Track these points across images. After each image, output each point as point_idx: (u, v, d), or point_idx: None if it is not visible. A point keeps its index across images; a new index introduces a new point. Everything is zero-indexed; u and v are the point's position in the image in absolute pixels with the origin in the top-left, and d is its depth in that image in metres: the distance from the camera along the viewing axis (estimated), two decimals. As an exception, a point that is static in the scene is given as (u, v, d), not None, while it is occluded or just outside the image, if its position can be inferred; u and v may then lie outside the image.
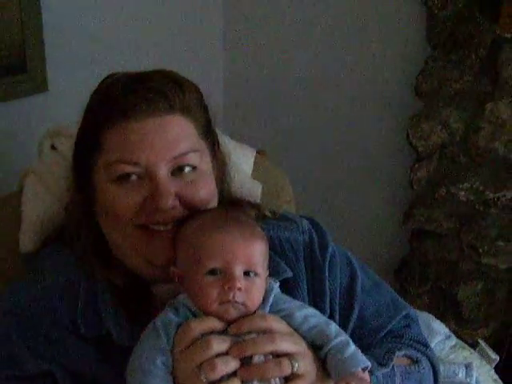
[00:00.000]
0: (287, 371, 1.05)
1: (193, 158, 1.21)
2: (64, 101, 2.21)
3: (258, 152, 1.77)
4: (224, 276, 1.07)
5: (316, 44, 2.76)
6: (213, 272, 1.08)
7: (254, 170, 1.69)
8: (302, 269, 1.30)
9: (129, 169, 1.18)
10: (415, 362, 1.31)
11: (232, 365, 1.03)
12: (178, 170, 1.20)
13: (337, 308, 1.30)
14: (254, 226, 1.17)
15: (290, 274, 1.27)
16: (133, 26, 2.47)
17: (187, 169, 1.20)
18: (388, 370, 1.23)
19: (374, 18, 2.59)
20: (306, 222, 1.39)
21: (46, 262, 1.32)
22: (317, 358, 1.11)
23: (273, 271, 1.20)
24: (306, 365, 1.07)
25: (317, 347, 1.12)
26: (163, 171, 1.18)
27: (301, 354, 1.08)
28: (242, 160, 1.63)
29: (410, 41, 2.54)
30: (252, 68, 2.93)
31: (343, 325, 1.29)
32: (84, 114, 1.27)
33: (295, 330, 1.11)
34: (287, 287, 1.24)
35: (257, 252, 1.12)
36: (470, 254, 2.55)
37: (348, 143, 2.80)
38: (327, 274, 1.31)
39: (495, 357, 1.85)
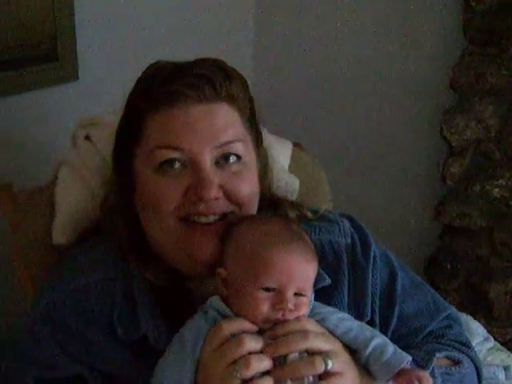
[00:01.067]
0: (320, 369, 1.03)
1: (238, 147, 1.18)
2: (94, 90, 2.19)
3: (294, 144, 1.73)
4: (277, 295, 1.06)
5: (352, 36, 2.72)
6: (267, 289, 1.07)
7: (290, 164, 1.65)
8: (344, 273, 1.28)
9: (172, 155, 1.15)
10: (456, 363, 1.28)
11: (266, 363, 1.02)
12: (222, 160, 1.17)
13: (377, 310, 1.28)
14: (311, 245, 1.15)
15: (328, 281, 1.23)
16: (166, 15, 2.44)
17: (232, 158, 1.18)
18: (428, 371, 1.19)
19: (410, 11, 2.54)
20: (347, 224, 1.36)
21: (81, 259, 1.29)
22: (355, 360, 1.10)
23: None
24: (340, 363, 1.06)
25: (353, 350, 1.11)
26: (207, 159, 1.15)
27: (335, 352, 1.06)
28: (279, 153, 1.59)
29: (446, 34, 2.49)
30: (286, 59, 2.89)
31: (384, 326, 1.27)
32: (127, 100, 1.24)
33: (330, 332, 1.10)
34: (327, 293, 1.22)
35: (311, 275, 1.12)
36: (503, 252, 2.53)
37: (382, 136, 2.76)
38: (370, 277, 1.29)
39: None
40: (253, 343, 1.03)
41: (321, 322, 1.11)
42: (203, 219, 1.16)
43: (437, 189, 2.66)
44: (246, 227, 1.14)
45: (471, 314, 2.55)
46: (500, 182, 2.44)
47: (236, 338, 1.03)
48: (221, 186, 1.15)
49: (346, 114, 2.83)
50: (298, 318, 1.07)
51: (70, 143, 1.57)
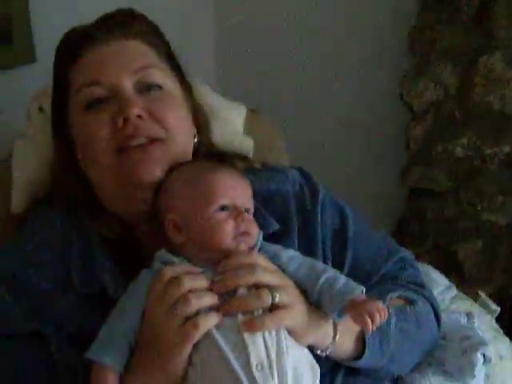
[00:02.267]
0: (267, 301, 1.04)
1: (156, 74, 1.26)
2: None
3: (250, 110, 1.73)
4: (233, 211, 1.11)
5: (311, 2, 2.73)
6: (223, 208, 1.11)
7: (246, 128, 1.65)
8: (292, 220, 1.29)
9: (95, 91, 1.23)
10: (411, 302, 1.30)
11: (207, 299, 1.04)
12: (144, 89, 1.23)
13: (329, 255, 1.29)
14: (236, 169, 1.24)
15: (276, 226, 1.26)
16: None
17: (153, 88, 1.24)
18: None
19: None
20: (296, 173, 1.38)
21: (35, 222, 1.32)
22: (306, 299, 1.11)
23: (259, 226, 1.18)
24: (289, 295, 1.07)
25: (304, 290, 1.12)
26: (127, 85, 1.22)
27: (283, 286, 1.08)
28: (233, 116, 1.60)
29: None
30: (246, 25, 2.90)
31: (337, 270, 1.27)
32: (53, 66, 1.33)
33: (283, 271, 1.12)
34: (276, 240, 1.22)
35: (247, 188, 1.17)
36: (470, 211, 2.53)
37: (342, 103, 2.78)
38: (319, 221, 1.30)
39: (496, 308, 1.81)
40: (192, 281, 1.05)
41: (272, 259, 1.12)
42: (133, 142, 1.19)
43: (401, 153, 2.65)
44: (186, 166, 1.20)
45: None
46: (462, 141, 2.44)
47: (175, 279, 1.05)
48: (145, 109, 1.21)
49: (307, 79, 2.83)
50: (248, 253, 1.10)
51: (26, 117, 1.58)
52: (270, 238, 1.21)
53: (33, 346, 1.17)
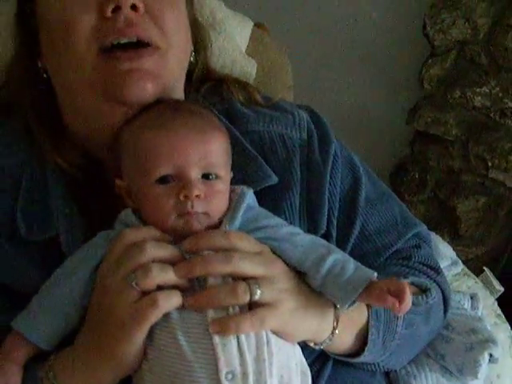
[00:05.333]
0: (244, 299, 0.86)
1: None
2: None
3: (256, 25, 1.51)
4: (178, 183, 0.90)
5: None
6: (164, 180, 0.91)
7: (250, 46, 1.45)
8: (295, 173, 1.09)
9: None
10: (424, 290, 1.12)
11: (172, 274, 0.86)
12: None
13: (335, 221, 1.10)
14: (209, 115, 1.00)
15: (274, 179, 1.06)
16: None
17: None
18: None
19: None
20: (305, 115, 1.17)
21: None
22: (306, 286, 0.93)
23: (253, 176, 1.04)
24: (274, 291, 0.89)
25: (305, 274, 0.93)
26: None
27: (269, 278, 0.89)
28: (236, 31, 1.38)
29: None
30: None
31: (342, 241, 1.10)
32: None
33: (279, 256, 0.93)
34: (274, 194, 1.06)
35: (215, 148, 0.95)
36: (477, 166, 2.43)
37: (359, 30, 2.60)
38: (328, 179, 1.10)
39: (499, 287, 1.73)
40: (158, 250, 0.88)
41: (264, 240, 0.93)
42: (122, 39, 0.97)
43: (414, 91, 2.54)
44: (133, 119, 0.98)
45: (435, 229, 2.47)
46: (483, 89, 2.31)
47: (137, 244, 0.88)
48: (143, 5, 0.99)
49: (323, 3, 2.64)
50: (225, 233, 0.91)
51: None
52: (265, 193, 1.03)
53: None
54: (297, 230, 0.97)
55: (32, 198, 1.02)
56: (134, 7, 0.97)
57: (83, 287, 0.89)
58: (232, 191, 0.96)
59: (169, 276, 0.86)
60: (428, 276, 1.16)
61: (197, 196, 0.89)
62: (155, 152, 0.91)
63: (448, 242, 2.42)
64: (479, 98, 2.31)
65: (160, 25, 1.00)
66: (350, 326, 1.00)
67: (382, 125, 2.67)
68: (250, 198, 0.96)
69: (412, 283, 1.11)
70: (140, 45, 0.98)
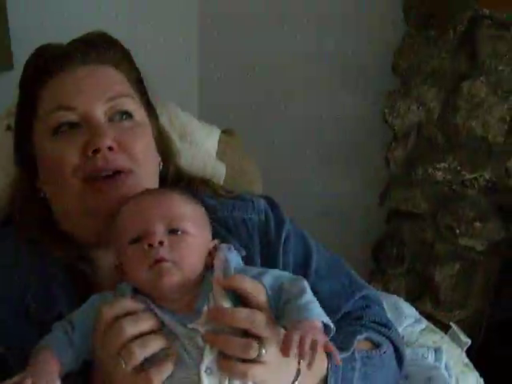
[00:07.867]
0: (251, 356, 0.97)
1: (128, 103, 1.24)
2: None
3: (224, 131, 1.70)
4: (145, 238, 1.02)
5: (291, 22, 2.72)
6: (136, 240, 1.03)
7: (219, 151, 1.63)
8: (256, 248, 1.27)
9: (66, 116, 1.20)
10: (376, 345, 1.25)
11: (153, 345, 0.97)
12: (115, 116, 1.22)
13: None
14: (175, 191, 1.14)
15: (242, 252, 1.21)
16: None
17: (124, 117, 1.23)
18: (348, 354, 1.16)
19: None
20: (262, 202, 1.35)
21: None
22: None
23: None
24: (272, 352, 0.99)
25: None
26: (99, 114, 1.20)
27: (271, 339, 1.00)
28: (205, 140, 1.58)
29: (386, 17, 2.50)
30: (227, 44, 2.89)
31: None
32: (20, 84, 1.30)
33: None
34: None
35: (176, 207, 1.08)
36: (447, 235, 2.52)
37: (323, 121, 2.77)
38: (281, 252, 1.27)
39: (466, 340, 1.81)
40: (135, 327, 0.98)
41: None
42: (102, 173, 1.17)
43: (382, 174, 2.65)
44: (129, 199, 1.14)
45: (418, 299, 2.58)
46: (443, 165, 2.42)
47: (116, 324, 0.97)
48: (115, 140, 1.18)
49: (288, 99, 2.83)
50: (251, 311, 1.00)
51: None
52: None
53: None
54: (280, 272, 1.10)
55: (40, 285, 1.18)
56: (110, 148, 1.17)
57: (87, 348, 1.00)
58: (215, 248, 1.08)
59: (151, 349, 0.96)
60: (380, 332, 1.27)
61: (160, 243, 1.00)
62: (126, 220, 1.06)
63: (430, 309, 2.58)
64: (440, 172, 2.41)
65: (132, 155, 1.19)
66: (311, 376, 1.07)
67: (358, 208, 2.77)
68: (235, 260, 1.08)
69: (366, 338, 1.24)
70: (116, 172, 1.18)
